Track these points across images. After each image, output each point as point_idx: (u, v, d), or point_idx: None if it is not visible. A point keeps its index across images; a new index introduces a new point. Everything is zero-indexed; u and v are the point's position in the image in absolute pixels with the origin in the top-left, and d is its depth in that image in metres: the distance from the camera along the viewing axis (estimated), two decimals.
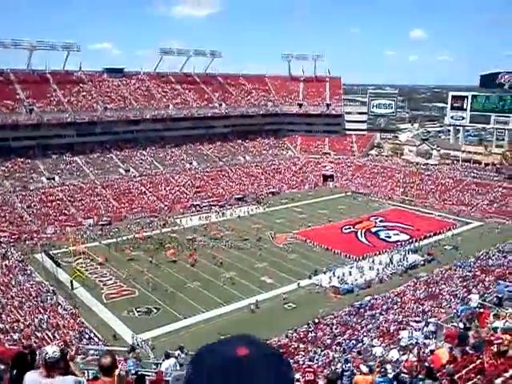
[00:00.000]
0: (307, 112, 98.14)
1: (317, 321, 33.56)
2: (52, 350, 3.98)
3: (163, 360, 15.00)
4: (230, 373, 1.37)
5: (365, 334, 29.02)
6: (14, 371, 5.11)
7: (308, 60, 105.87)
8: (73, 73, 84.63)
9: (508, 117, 77.43)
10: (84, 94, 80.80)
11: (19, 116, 70.48)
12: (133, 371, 11.75)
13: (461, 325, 17.59)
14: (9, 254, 45.55)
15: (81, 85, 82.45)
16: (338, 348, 27.25)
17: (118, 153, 77.10)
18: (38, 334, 30.02)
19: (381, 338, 26.28)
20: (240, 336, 1.56)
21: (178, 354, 20.67)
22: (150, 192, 69.07)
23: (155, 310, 37.05)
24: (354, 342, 27.45)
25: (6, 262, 43.10)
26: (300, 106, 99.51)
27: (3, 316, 32.66)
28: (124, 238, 53.38)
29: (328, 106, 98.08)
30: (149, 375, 11.86)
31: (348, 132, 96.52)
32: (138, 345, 30.74)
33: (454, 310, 23.24)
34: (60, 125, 73.52)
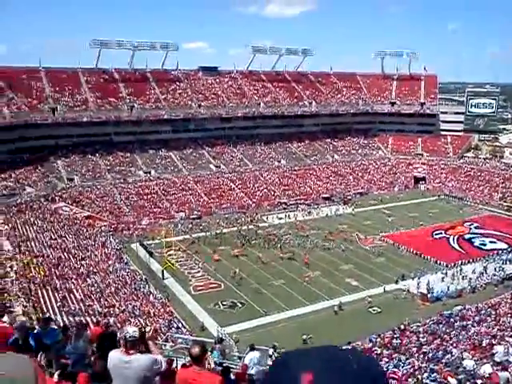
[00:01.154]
0: (400, 111, 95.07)
1: (403, 327, 32.65)
2: (132, 330, 4.42)
3: (247, 353, 15.38)
4: None
5: (454, 345, 27.78)
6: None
7: (402, 57, 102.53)
8: (170, 71, 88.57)
9: None
10: (180, 91, 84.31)
11: (121, 112, 75.24)
12: (218, 362, 12.21)
13: None
14: (108, 242, 48.70)
15: (177, 83, 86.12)
16: (423, 357, 26.36)
17: (210, 149, 79.63)
18: (132, 320, 32.00)
19: (472, 351, 25.08)
20: (317, 351, 1.38)
21: (272, 353, 21.16)
22: (239, 188, 70.66)
23: (240, 305, 37.92)
24: (441, 352, 26.44)
25: (106, 249, 46.13)
26: (392, 104, 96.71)
27: (101, 300, 35.16)
28: (213, 232, 55.12)
29: (422, 105, 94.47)
30: (233, 367, 12.24)
31: (443, 133, 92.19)
32: (224, 337, 31.71)
33: None
34: (157, 121, 77.42)
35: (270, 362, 14.65)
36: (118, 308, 34.39)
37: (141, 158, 73.14)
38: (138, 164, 71.86)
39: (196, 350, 4.49)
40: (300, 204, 67.89)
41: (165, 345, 19.63)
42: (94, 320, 30.53)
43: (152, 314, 34.42)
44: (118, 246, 48.92)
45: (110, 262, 43.15)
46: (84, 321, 29.83)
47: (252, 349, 14.62)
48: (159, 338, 24.69)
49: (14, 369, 1.04)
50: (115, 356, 4.37)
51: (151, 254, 47.29)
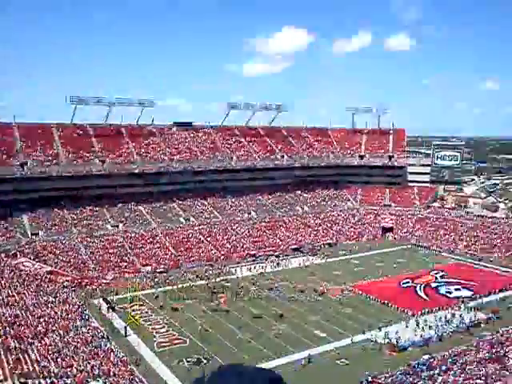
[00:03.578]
0: (369, 164, 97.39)
1: (370, 379, 32.06)
2: None
3: None
4: None
5: None
6: None
7: (372, 113, 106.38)
8: (145, 127, 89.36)
9: None
10: (153, 146, 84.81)
11: (93, 167, 74.86)
12: None
13: None
14: (69, 298, 47.13)
15: (151, 138, 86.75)
16: None
17: (180, 202, 79.45)
18: (89, 381, 30.65)
19: None
20: (258, 371, 1.50)
21: None
22: (208, 241, 70.09)
23: (205, 361, 36.68)
24: None
25: (67, 306, 44.59)
26: (361, 157, 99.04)
27: (59, 360, 33.62)
28: (179, 285, 54.09)
29: (390, 157, 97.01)
30: None
31: (410, 184, 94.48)
32: None
33: None
34: (129, 175, 77.23)
35: None
36: (76, 368, 32.86)
37: (109, 212, 72.38)
38: (105, 218, 70.99)
39: None
40: (269, 255, 67.54)
41: None
42: (49, 382, 29.26)
43: (112, 374, 32.97)
44: (80, 301, 47.28)
45: (70, 319, 41.58)
46: None
47: None
48: None
49: None
50: None
51: (113, 309, 45.95)
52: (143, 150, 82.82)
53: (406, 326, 42.28)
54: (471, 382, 28.49)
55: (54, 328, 38.82)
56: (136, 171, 78.11)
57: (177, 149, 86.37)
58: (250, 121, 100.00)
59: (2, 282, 46.40)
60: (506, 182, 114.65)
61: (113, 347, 37.98)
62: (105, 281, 54.67)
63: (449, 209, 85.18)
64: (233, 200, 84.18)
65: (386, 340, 39.41)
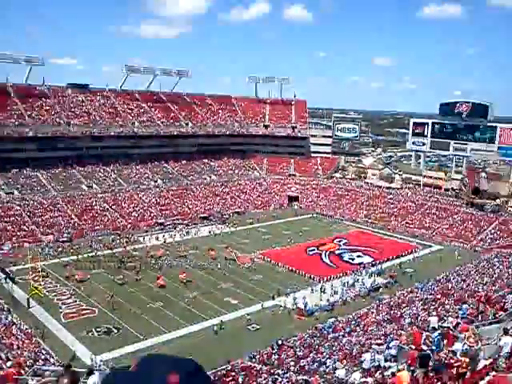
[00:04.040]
0: (273, 134, 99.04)
1: (280, 343, 33.39)
2: None
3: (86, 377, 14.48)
4: None
5: (328, 356, 28.97)
6: None
7: (274, 83, 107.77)
8: (35, 87, 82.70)
9: (465, 144, 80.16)
10: (47, 108, 78.95)
11: None
12: None
13: (424, 347, 17.86)
14: None
15: (43, 99, 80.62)
16: (300, 370, 27.11)
17: (81, 168, 75.56)
18: None
19: (343, 361, 26.30)
20: (179, 360, 1.54)
21: None
22: (113, 209, 67.75)
23: (115, 330, 36.01)
24: (316, 364, 27.40)
25: None
26: (266, 127, 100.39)
27: None
28: (85, 255, 52.06)
29: (293, 128, 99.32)
30: None
31: (313, 154, 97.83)
32: (98, 366, 29.94)
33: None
34: (21, 139, 71.36)
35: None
36: None
37: (2, 178, 66.86)
38: None
39: (65, 381, 3.95)
40: (178, 224, 67.00)
41: (32, 379, 17.82)
42: None
43: (15, 347, 31.13)
44: None
45: None
46: None
47: (90, 373, 13.73)
48: (23, 373, 22.53)
49: None
50: None
51: (13, 281, 43.19)
52: (35, 113, 76.75)
53: (312, 292, 44.50)
54: (372, 341, 30.62)
55: None
56: (30, 134, 72.38)
57: (73, 112, 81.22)
58: (151, 86, 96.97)
59: None
60: (399, 154, 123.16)
61: (15, 320, 35.87)
62: (1, 251, 51.04)
63: (350, 179, 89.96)
64: (137, 167, 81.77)
65: (295, 305, 41.22)
